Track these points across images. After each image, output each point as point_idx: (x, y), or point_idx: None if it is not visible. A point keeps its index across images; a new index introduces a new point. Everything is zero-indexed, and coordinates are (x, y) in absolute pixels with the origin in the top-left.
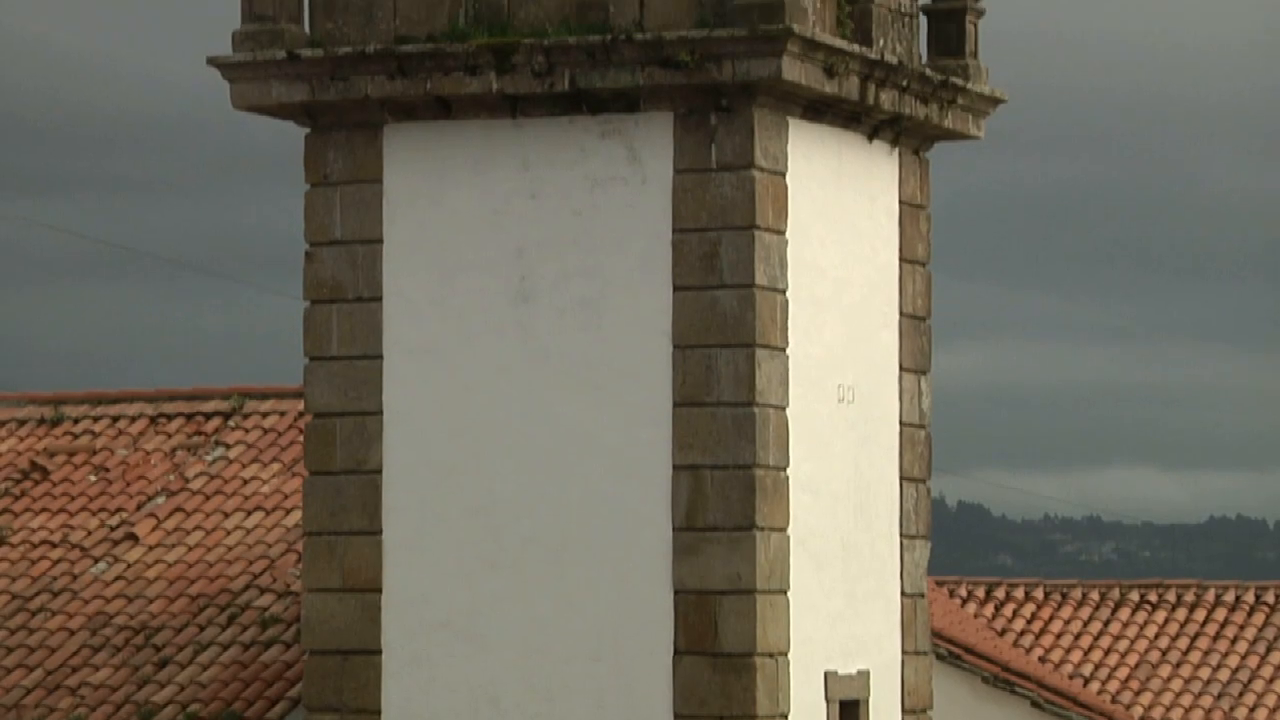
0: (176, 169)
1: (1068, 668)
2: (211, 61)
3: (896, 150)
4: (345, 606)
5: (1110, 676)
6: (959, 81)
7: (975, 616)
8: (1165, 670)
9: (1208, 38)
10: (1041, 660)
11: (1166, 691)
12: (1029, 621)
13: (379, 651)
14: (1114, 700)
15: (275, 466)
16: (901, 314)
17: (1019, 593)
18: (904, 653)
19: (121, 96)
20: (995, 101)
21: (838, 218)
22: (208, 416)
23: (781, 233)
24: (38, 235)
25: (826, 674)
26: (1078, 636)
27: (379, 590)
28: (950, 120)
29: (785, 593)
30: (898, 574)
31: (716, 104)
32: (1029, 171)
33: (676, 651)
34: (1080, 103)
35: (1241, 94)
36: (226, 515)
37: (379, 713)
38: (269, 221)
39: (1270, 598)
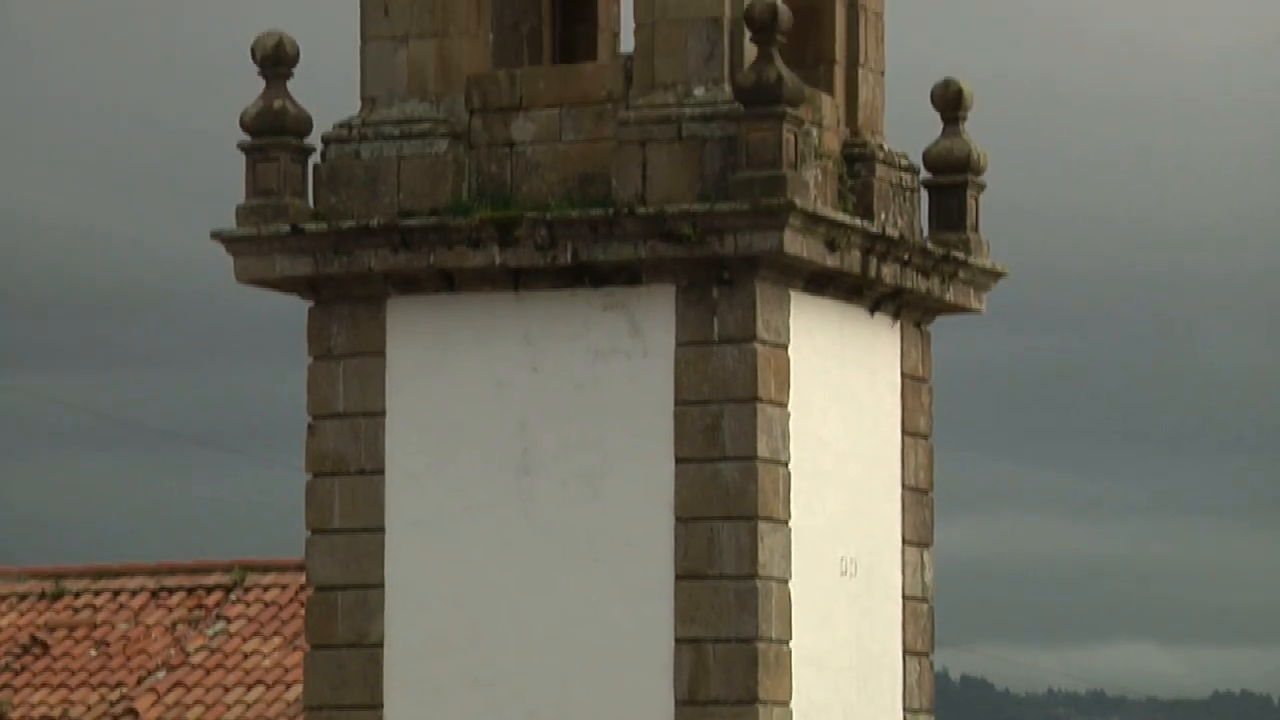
0: (177, 341)
1: None
2: (215, 236)
3: (898, 323)
4: None
5: None
6: (960, 255)
7: None
8: None
9: (1203, 215)
10: None
11: None
12: None
13: None
14: None
15: (276, 640)
16: (904, 487)
17: None
18: None
19: (121, 269)
20: (997, 275)
21: (840, 391)
22: (209, 590)
23: (784, 405)
24: (38, 408)
25: None
26: None
27: None
28: (952, 294)
29: None
30: None
31: (718, 277)
32: (1030, 345)
33: None
34: (1080, 277)
35: (1239, 270)
36: (227, 690)
37: None
38: (270, 394)
39: None
